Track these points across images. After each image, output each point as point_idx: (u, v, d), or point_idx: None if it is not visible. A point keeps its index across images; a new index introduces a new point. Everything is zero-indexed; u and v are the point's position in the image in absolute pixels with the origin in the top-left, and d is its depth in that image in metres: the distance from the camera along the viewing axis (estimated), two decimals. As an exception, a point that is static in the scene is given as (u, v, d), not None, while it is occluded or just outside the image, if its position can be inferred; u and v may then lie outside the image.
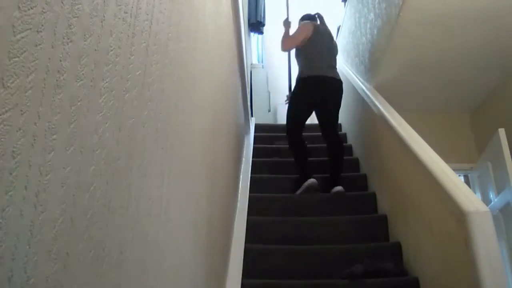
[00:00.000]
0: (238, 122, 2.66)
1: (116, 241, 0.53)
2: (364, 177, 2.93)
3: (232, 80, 2.22)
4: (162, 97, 0.74)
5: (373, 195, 2.66)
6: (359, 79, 3.29)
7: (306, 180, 2.68)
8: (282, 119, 4.96)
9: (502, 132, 2.73)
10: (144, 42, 0.64)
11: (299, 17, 3.28)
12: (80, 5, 0.42)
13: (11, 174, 0.32)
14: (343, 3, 4.57)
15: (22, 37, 0.33)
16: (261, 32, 5.26)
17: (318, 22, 3.17)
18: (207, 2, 1.28)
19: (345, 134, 3.84)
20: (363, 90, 3.03)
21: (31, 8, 0.34)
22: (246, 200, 2.46)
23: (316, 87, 2.81)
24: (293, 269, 2.05)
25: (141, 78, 0.63)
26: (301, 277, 2.00)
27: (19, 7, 0.32)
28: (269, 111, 4.99)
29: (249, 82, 4.00)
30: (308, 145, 3.33)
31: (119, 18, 0.54)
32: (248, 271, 1.89)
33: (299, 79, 2.88)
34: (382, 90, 2.86)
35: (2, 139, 0.31)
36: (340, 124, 4.19)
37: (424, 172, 1.79)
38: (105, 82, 0.49)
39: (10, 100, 0.32)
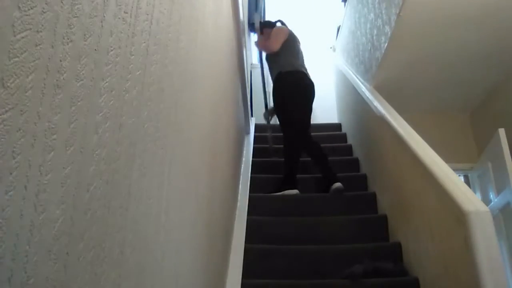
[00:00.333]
0: (238, 122, 2.66)
1: (116, 241, 0.53)
2: (364, 177, 2.93)
3: (232, 80, 2.21)
4: (162, 97, 0.74)
5: (373, 195, 2.66)
6: (359, 79, 3.29)
7: (290, 188, 2.66)
8: (282, 119, 4.95)
9: (502, 132, 2.73)
10: (144, 42, 0.64)
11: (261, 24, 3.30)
12: (80, 5, 0.42)
13: (11, 174, 0.32)
14: (343, 3, 4.56)
15: (22, 37, 0.33)
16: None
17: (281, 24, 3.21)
18: (207, 2, 1.29)
19: (345, 134, 3.84)
20: (363, 90, 3.03)
21: (31, 8, 0.34)
22: (246, 200, 2.46)
23: (302, 81, 2.83)
24: (293, 269, 2.05)
25: (141, 78, 0.63)
26: (301, 277, 2.00)
27: (19, 7, 0.32)
28: (269, 111, 4.98)
29: (249, 82, 3.99)
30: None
31: (119, 18, 0.54)
32: (248, 271, 1.89)
33: (282, 74, 2.86)
34: (382, 90, 2.86)
35: (2, 139, 0.31)
36: (340, 124, 4.20)
37: (424, 172, 1.79)
38: (105, 82, 0.49)
39: (10, 100, 0.32)
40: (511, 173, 2.56)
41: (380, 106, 2.57)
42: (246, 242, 2.08)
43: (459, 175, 3.23)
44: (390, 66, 2.84)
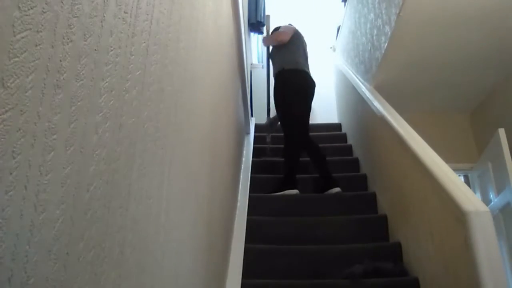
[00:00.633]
0: (238, 122, 2.66)
1: (116, 241, 0.53)
2: (364, 177, 2.93)
3: (232, 80, 2.21)
4: (162, 97, 0.74)
5: (373, 195, 2.66)
6: (359, 79, 3.29)
7: (291, 188, 2.66)
8: (282, 119, 4.95)
9: (502, 132, 2.73)
10: (144, 42, 0.64)
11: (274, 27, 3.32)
12: (80, 5, 0.42)
13: (11, 174, 0.32)
14: (343, 3, 4.57)
15: (22, 37, 0.33)
16: (261, 32, 5.25)
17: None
18: (207, 2, 1.28)
19: (345, 134, 3.84)
20: (363, 90, 3.03)
21: (31, 8, 0.34)
22: (246, 200, 2.46)
23: (305, 82, 2.83)
24: (293, 269, 2.05)
25: (141, 78, 0.63)
26: (301, 277, 2.00)
27: (19, 7, 0.32)
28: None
29: (249, 82, 3.99)
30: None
31: (119, 18, 0.54)
32: (248, 271, 1.89)
33: (285, 71, 2.85)
34: (382, 90, 2.86)
35: (2, 139, 0.31)
36: (340, 124, 4.20)
37: (424, 172, 1.79)
38: (105, 82, 0.49)
39: (10, 100, 0.32)
40: (511, 173, 2.56)
41: (380, 106, 2.57)
42: (246, 242, 2.08)
43: (459, 175, 3.23)
44: (390, 66, 2.84)
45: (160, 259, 0.72)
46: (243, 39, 2.59)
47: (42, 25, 0.36)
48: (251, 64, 4.82)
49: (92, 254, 0.46)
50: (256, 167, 2.98)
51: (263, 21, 5.08)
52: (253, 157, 3.10)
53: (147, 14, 0.65)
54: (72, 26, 0.41)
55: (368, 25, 3.04)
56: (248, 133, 3.50)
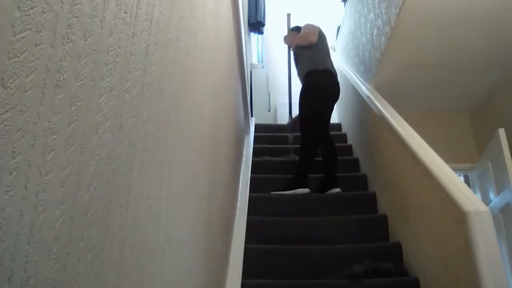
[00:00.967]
0: (238, 122, 2.66)
1: (116, 241, 0.53)
2: (364, 177, 2.93)
3: (232, 80, 2.21)
4: (162, 97, 0.74)
5: (373, 195, 2.66)
6: (359, 79, 3.29)
7: (301, 187, 2.66)
8: (282, 119, 4.95)
9: (502, 132, 2.73)
10: (144, 42, 0.64)
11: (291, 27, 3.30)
12: (80, 5, 0.42)
13: (11, 174, 0.32)
14: (343, 3, 4.57)
15: (22, 37, 0.33)
16: (261, 32, 5.26)
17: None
18: (207, 2, 1.29)
19: (345, 134, 3.84)
20: (363, 90, 3.03)
21: (31, 8, 0.34)
22: (246, 200, 2.46)
23: (337, 84, 2.84)
24: (293, 269, 2.05)
25: (141, 78, 0.63)
26: (301, 277, 2.00)
27: (19, 7, 0.32)
28: (269, 111, 4.99)
29: (249, 82, 3.99)
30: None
31: (119, 18, 0.54)
32: (248, 271, 1.89)
33: (318, 72, 2.82)
34: (382, 90, 2.86)
35: (2, 139, 0.31)
36: (340, 124, 4.19)
37: (424, 172, 1.79)
38: (105, 82, 0.49)
39: (10, 100, 0.32)
40: (511, 173, 2.56)
41: (380, 106, 2.57)
42: (246, 242, 2.09)
43: (459, 175, 3.23)
44: (390, 66, 2.84)
45: (160, 259, 0.72)
46: (243, 39, 2.59)
47: (42, 25, 0.36)
48: (251, 64, 4.82)
49: (92, 254, 0.46)
50: (256, 167, 2.97)
51: (263, 21, 5.09)
52: (253, 157, 3.10)
53: (147, 14, 0.65)
54: (72, 26, 0.41)
55: (368, 25, 3.04)
56: (248, 133, 3.50)
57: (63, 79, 0.39)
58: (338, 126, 4.18)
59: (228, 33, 1.97)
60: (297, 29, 3.21)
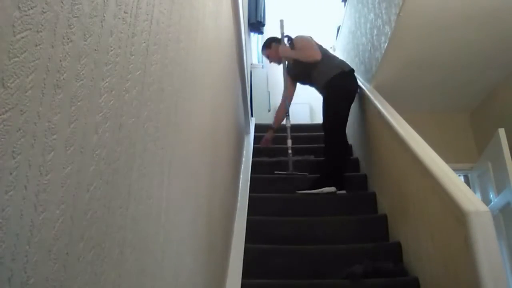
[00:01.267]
0: (238, 122, 2.66)
1: (116, 241, 0.53)
2: (364, 177, 2.93)
3: (232, 80, 2.21)
4: (162, 97, 0.74)
5: (373, 195, 2.66)
6: (359, 79, 3.29)
7: (327, 185, 2.67)
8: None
9: (502, 132, 2.73)
10: (144, 42, 0.64)
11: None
12: (80, 5, 0.42)
13: (11, 174, 0.32)
14: (343, 3, 4.57)
15: (22, 37, 0.33)
16: (261, 32, 5.26)
17: (287, 42, 3.13)
18: (207, 2, 1.29)
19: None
20: (363, 90, 3.03)
21: (31, 8, 0.34)
22: (246, 200, 2.46)
23: (356, 83, 2.91)
24: (293, 269, 2.05)
25: (141, 78, 0.63)
26: (301, 277, 2.00)
27: (19, 7, 0.32)
28: (269, 111, 4.99)
29: (249, 82, 3.99)
30: (309, 145, 3.33)
31: (119, 18, 0.54)
32: (248, 271, 1.89)
33: (343, 72, 2.83)
34: (382, 90, 2.86)
35: (2, 139, 0.31)
36: (340, 124, 4.18)
37: (424, 172, 1.79)
38: (105, 82, 0.49)
39: (10, 100, 0.32)
40: (511, 173, 2.56)
41: (380, 106, 2.57)
42: (246, 242, 2.08)
43: (459, 175, 3.23)
44: (390, 66, 2.84)
45: (160, 259, 0.72)
46: (243, 39, 2.59)
47: (42, 25, 0.36)
48: (251, 64, 4.82)
49: (92, 254, 0.46)
50: (256, 167, 2.97)
51: (263, 21, 5.09)
52: (253, 157, 3.10)
53: (147, 14, 0.65)
54: (72, 26, 0.41)
55: (368, 25, 3.04)
56: (248, 133, 3.50)
57: (63, 79, 0.39)
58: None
59: (228, 33, 1.97)
60: (288, 38, 3.14)
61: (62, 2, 0.39)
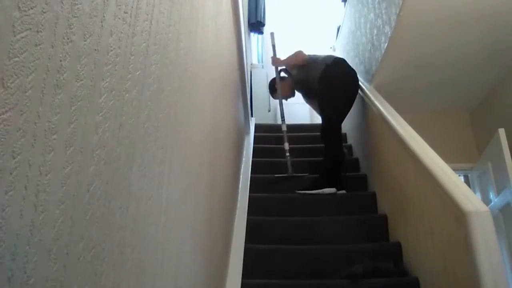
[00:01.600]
0: (238, 122, 2.66)
1: (116, 241, 0.53)
2: (364, 177, 2.93)
3: (232, 80, 2.21)
4: (162, 97, 0.74)
5: (373, 195, 2.66)
6: (359, 79, 3.29)
7: (328, 186, 2.66)
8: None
9: (502, 132, 2.73)
10: (144, 42, 0.64)
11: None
12: (80, 5, 0.42)
13: (11, 174, 0.32)
14: (343, 3, 4.57)
15: (22, 37, 0.33)
16: (261, 32, 5.26)
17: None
18: (207, 2, 1.29)
19: (345, 134, 3.84)
20: (363, 90, 3.03)
21: (31, 8, 0.34)
22: (246, 200, 2.46)
23: (347, 67, 2.88)
24: (293, 269, 2.05)
25: (141, 78, 0.63)
26: (301, 277, 2.00)
27: (19, 7, 0.32)
28: (269, 111, 4.99)
29: (249, 82, 3.99)
30: (309, 145, 3.32)
31: (119, 18, 0.54)
32: (248, 271, 1.89)
33: (327, 66, 2.83)
34: (382, 90, 2.86)
35: (2, 139, 0.31)
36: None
37: (424, 172, 1.79)
38: (105, 82, 0.49)
39: (10, 100, 0.32)
40: (511, 173, 2.56)
41: (380, 106, 2.57)
42: (246, 242, 2.08)
43: (459, 175, 3.23)
44: (390, 66, 2.84)
45: (160, 259, 0.72)
46: (243, 39, 2.59)
47: (42, 25, 0.36)
48: (251, 64, 4.82)
49: (92, 254, 0.46)
50: (256, 167, 2.97)
51: (263, 21, 5.09)
52: (253, 157, 3.10)
53: (147, 14, 0.65)
54: (72, 26, 0.41)
55: (368, 25, 3.04)
56: (248, 133, 3.50)
57: (63, 79, 0.39)
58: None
59: (228, 33, 1.97)
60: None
61: (62, 2, 0.39)
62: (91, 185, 0.46)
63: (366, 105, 2.94)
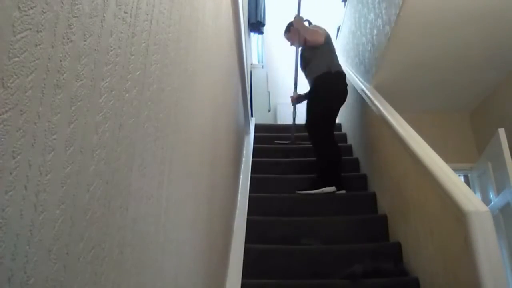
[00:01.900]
0: (238, 122, 2.66)
1: (116, 241, 0.53)
2: (364, 177, 2.93)
3: (232, 80, 2.21)
4: (162, 97, 0.74)
5: (373, 195, 2.66)
6: (359, 79, 3.29)
7: (327, 185, 2.66)
8: (282, 119, 4.95)
9: (502, 132, 2.73)
10: (144, 42, 0.64)
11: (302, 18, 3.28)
12: (80, 5, 0.42)
13: (11, 174, 0.32)
14: (343, 3, 4.56)
15: (22, 37, 0.33)
16: (261, 32, 5.26)
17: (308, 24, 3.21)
18: (207, 2, 1.28)
19: (345, 134, 3.84)
20: (363, 90, 3.03)
21: (31, 8, 0.34)
22: (246, 200, 2.46)
23: (342, 84, 2.86)
24: (293, 269, 2.05)
25: (141, 78, 0.63)
26: (301, 277, 2.00)
27: (19, 7, 0.32)
28: (269, 111, 4.99)
29: (249, 82, 3.99)
30: (305, 145, 3.33)
31: (119, 18, 0.54)
32: (248, 271, 1.89)
33: (333, 74, 2.83)
34: (382, 90, 2.86)
35: (2, 139, 0.31)
36: (340, 124, 4.20)
37: (424, 172, 1.79)
38: (105, 82, 0.49)
39: (10, 100, 0.32)
40: (511, 173, 2.56)
41: (380, 106, 2.57)
42: (246, 242, 2.08)
43: (459, 175, 3.23)
44: (390, 66, 2.84)
45: (160, 259, 0.72)
46: (243, 39, 2.59)
47: (42, 25, 0.36)
48: (251, 64, 4.82)
49: (92, 254, 0.46)
50: (256, 167, 2.97)
51: (263, 21, 5.09)
52: (253, 157, 3.10)
53: (147, 14, 0.65)
54: (72, 26, 0.41)
55: (368, 25, 3.04)
56: (248, 133, 3.50)
57: (63, 79, 0.39)
58: (338, 126, 4.18)
59: (228, 33, 1.97)
60: (309, 23, 3.22)
61: (62, 2, 0.39)
62: (91, 185, 0.46)
63: (366, 105, 2.94)
